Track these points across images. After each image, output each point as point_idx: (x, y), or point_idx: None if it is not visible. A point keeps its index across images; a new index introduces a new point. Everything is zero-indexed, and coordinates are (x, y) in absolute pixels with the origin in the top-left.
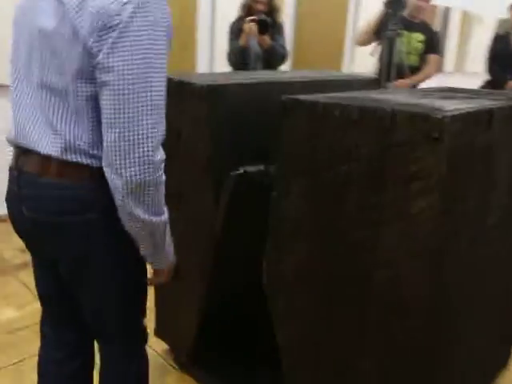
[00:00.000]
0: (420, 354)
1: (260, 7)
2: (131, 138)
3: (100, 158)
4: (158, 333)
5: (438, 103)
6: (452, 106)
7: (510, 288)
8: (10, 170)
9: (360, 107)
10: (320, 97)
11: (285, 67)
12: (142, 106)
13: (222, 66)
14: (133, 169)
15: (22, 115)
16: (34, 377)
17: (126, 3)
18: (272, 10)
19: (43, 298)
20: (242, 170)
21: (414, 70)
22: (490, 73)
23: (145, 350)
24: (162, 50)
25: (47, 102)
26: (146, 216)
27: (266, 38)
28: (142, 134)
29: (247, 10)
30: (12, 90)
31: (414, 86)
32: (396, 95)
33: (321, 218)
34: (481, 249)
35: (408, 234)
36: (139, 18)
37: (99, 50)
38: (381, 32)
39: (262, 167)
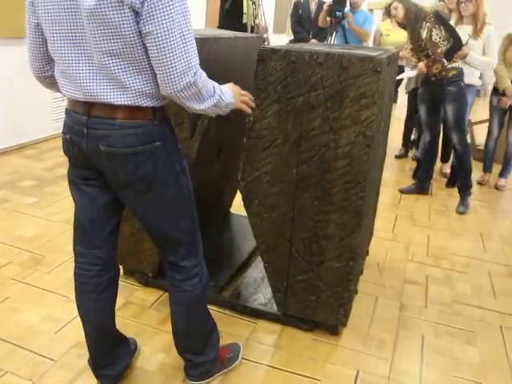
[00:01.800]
0: (361, 213)
1: None
2: (177, 67)
3: (160, 99)
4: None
5: (362, 51)
6: (375, 54)
7: (379, 177)
8: (72, 112)
9: (325, 53)
10: (289, 47)
11: None
12: (179, 47)
13: None
14: (182, 85)
15: (83, 78)
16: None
17: None
18: None
19: (83, 221)
20: None
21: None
22: (294, 34)
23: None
24: (187, 4)
25: (112, 65)
26: (203, 106)
27: None
28: (183, 64)
29: None
30: (63, 60)
31: None
32: (325, 48)
33: (292, 133)
34: (377, 147)
35: (360, 133)
36: None
37: (142, 8)
38: None
39: None
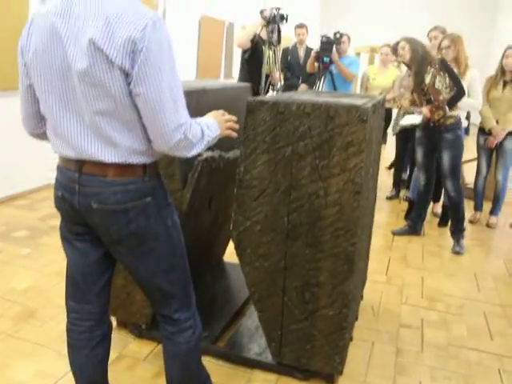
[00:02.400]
0: (353, 260)
1: None
2: (168, 126)
3: (150, 155)
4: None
5: (349, 100)
6: (360, 102)
7: (371, 221)
8: (64, 169)
9: (312, 103)
10: (277, 98)
11: None
12: (169, 106)
13: None
14: (173, 143)
15: (74, 137)
16: None
17: (144, 29)
18: None
19: (76, 276)
20: (204, 156)
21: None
22: (284, 80)
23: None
24: (174, 60)
25: (103, 124)
26: (193, 152)
27: None
28: (173, 123)
29: None
30: (55, 119)
31: None
32: (315, 96)
33: (282, 181)
34: (367, 192)
35: (349, 181)
36: (157, 39)
37: (133, 70)
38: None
39: (217, 154)
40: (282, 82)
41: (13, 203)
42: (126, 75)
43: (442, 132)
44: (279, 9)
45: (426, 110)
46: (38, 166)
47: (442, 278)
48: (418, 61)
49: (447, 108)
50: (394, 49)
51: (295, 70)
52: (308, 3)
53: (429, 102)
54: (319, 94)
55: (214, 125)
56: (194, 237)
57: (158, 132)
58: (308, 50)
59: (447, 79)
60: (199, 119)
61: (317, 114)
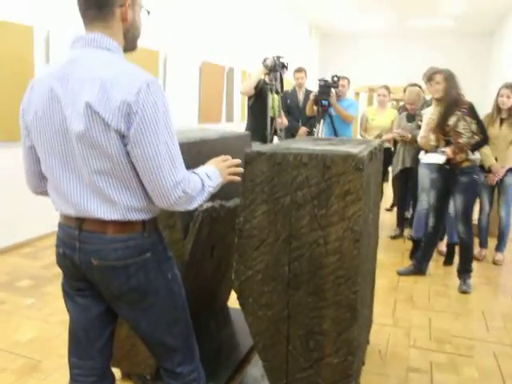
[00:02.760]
0: (355, 307)
1: None
2: (166, 185)
3: (148, 212)
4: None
5: (345, 148)
6: (356, 150)
7: (374, 266)
8: (65, 227)
9: (309, 154)
10: (274, 148)
11: None
12: (167, 165)
13: None
14: (172, 200)
15: (74, 196)
16: None
17: (138, 92)
18: None
19: (77, 332)
20: (205, 207)
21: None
22: None
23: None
24: (170, 119)
25: (101, 183)
26: (194, 205)
27: None
28: (172, 181)
29: None
30: (55, 179)
31: None
32: (312, 145)
33: (281, 231)
34: (367, 239)
35: (348, 229)
36: (151, 100)
37: (129, 132)
38: (260, 87)
39: (217, 203)
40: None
41: (17, 251)
42: (123, 137)
43: (457, 175)
44: (280, 57)
45: (449, 150)
46: (43, 214)
47: (450, 319)
48: (450, 102)
49: (470, 152)
50: (429, 77)
51: (295, 113)
52: (307, 46)
53: (448, 143)
54: (317, 141)
55: (214, 173)
56: (196, 285)
57: (157, 190)
58: (307, 93)
59: (472, 125)
60: (199, 169)
61: (314, 164)
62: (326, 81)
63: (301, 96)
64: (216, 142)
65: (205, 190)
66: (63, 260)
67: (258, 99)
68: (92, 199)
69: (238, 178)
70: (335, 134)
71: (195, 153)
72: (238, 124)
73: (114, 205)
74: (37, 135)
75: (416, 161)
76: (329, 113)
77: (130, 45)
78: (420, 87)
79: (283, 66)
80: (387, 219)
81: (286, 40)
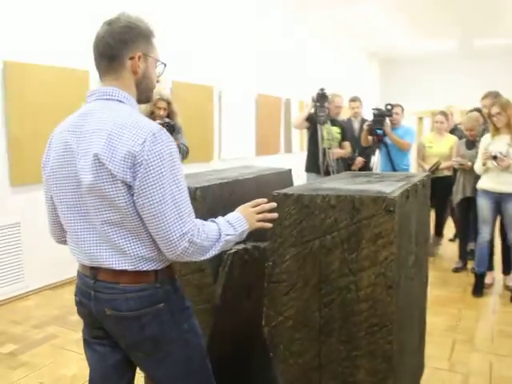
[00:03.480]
0: (391, 357)
1: (161, 112)
2: (172, 236)
3: (161, 261)
4: None
5: (378, 187)
6: (389, 189)
7: (421, 309)
8: (82, 276)
9: (336, 195)
10: (302, 189)
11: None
12: (173, 216)
13: None
14: (179, 251)
15: (87, 246)
16: None
17: (143, 143)
18: (171, 114)
19: (96, 381)
20: (234, 249)
21: None
22: None
23: None
24: (178, 169)
25: (111, 233)
26: (209, 255)
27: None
28: (178, 232)
29: (150, 115)
30: (70, 229)
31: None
32: (346, 183)
33: (311, 276)
34: (408, 283)
35: (380, 274)
36: (156, 151)
37: (134, 183)
38: (311, 119)
39: (249, 245)
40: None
41: (70, 287)
42: (129, 187)
43: None
44: (323, 89)
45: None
46: None
47: None
48: None
49: None
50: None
51: (351, 144)
52: (367, 72)
53: None
54: (355, 178)
55: (239, 220)
56: (232, 327)
57: (163, 241)
58: (363, 123)
59: None
60: (219, 218)
61: (342, 206)
62: (379, 110)
63: (356, 125)
64: (251, 181)
65: (221, 239)
66: (81, 308)
67: (311, 131)
68: (104, 249)
69: (268, 225)
70: (391, 163)
71: (228, 194)
72: (297, 155)
73: (124, 255)
74: (54, 186)
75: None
76: (384, 142)
77: (143, 96)
78: (480, 111)
79: (323, 97)
80: (449, 252)
81: (344, 68)
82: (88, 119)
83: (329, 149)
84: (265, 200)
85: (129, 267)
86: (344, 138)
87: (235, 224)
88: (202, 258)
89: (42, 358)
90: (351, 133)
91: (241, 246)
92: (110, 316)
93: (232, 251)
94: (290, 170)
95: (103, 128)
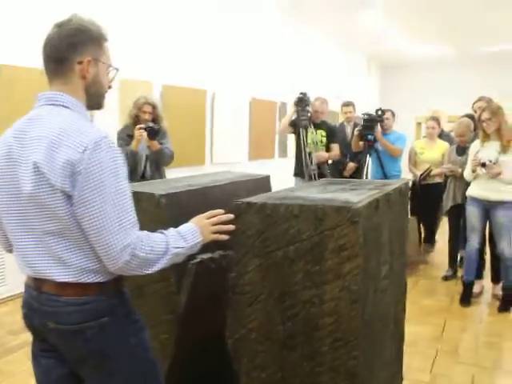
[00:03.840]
0: (355, 374)
1: (146, 116)
2: (112, 248)
3: (106, 274)
4: None
5: (346, 196)
6: (356, 198)
7: (397, 320)
8: (28, 287)
9: (299, 205)
10: (264, 198)
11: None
12: (113, 228)
13: None
14: (121, 264)
15: (30, 257)
16: None
17: (84, 151)
18: (157, 118)
19: None
20: (199, 259)
21: None
22: None
23: None
24: (122, 178)
25: (53, 243)
26: (154, 268)
27: (155, 143)
28: (118, 244)
29: (135, 119)
30: (14, 239)
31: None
32: (316, 191)
33: (274, 288)
34: (379, 295)
35: (344, 288)
36: (97, 159)
37: (73, 192)
38: (295, 124)
39: (217, 254)
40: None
41: None
42: (69, 197)
43: None
44: (303, 93)
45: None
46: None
47: (500, 377)
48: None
49: None
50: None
51: (343, 148)
52: (366, 78)
53: None
54: (327, 186)
55: (192, 232)
56: (196, 339)
57: (104, 253)
58: (356, 127)
59: None
60: (170, 230)
61: (305, 216)
62: (369, 115)
63: (349, 130)
64: (223, 189)
65: (169, 252)
66: (27, 321)
67: (296, 136)
68: (46, 260)
69: (223, 237)
70: (382, 169)
71: (196, 202)
72: (292, 159)
73: (67, 266)
74: None
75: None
76: (375, 148)
77: (92, 102)
78: (472, 118)
79: (302, 101)
80: (439, 259)
81: (342, 73)
82: (32, 125)
83: (311, 153)
84: (221, 211)
85: (71, 279)
86: (332, 141)
87: (187, 236)
88: (148, 272)
89: (15, 366)
90: (343, 137)
91: (207, 255)
92: (54, 329)
93: (197, 260)
94: (268, 177)
95: (44, 135)
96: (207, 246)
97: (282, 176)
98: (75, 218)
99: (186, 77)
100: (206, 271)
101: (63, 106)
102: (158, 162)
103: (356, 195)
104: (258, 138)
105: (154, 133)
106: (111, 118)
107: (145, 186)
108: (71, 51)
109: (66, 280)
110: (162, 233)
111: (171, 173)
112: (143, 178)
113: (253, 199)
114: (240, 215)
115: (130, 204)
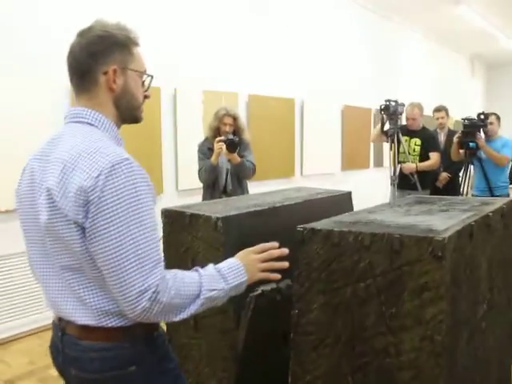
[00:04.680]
0: None
1: (227, 128)
2: (130, 291)
3: (128, 317)
4: None
5: (431, 221)
6: (444, 224)
7: (504, 365)
8: (54, 325)
9: (371, 234)
10: (332, 224)
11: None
12: (131, 265)
13: (187, 183)
14: (139, 311)
15: (52, 293)
16: None
17: (98, 176)
18: (238, 130)
19: None
20: (260, 290)
21: None
22: None
23: None
24: (144, 208)
25: (72, 280)
26: (183, 315)
27: (235, 156)
28: (137, 286)
29: (215, 132)
30: (36, 272)
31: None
32: (397, 214)
33: (342, 331)
34: (476, 341)
35: (426, 337)
36: (112, 185)
37: (86, 221)
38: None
39: (274, 285)
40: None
41: None
42: (83, 230)
43: None
44: (388, 100)
45: None
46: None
47: None
48: None
49: None
50: None
51: None
52: (470, 80)
53: None
54: (416, 205)
55: (235, 270)
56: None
57: (121, 297)
58: (450, 134)
59: None
60: (209, 267)
61: (378, 247)
62: (470, 120)
63: (442, 138)
64: (293, 208)
65: (201, 296)
66: (53, 361)
67: (389, 145)
68: (65, 298)
69: (275, 276)
70: (487, 180)
71: (262, 224)
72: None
73: (87, 307)
74: (21, 221)
75: None
76: (478, 156)
77: (126, 116)
78: None
79: (387, 109)
80: None
81: (444, 77)
82: (53, 146)
83: (400, 163)
84: (275, 245)
85: (91, 322)
86: (429, 149)
87: (228, 275)
88: (175, 320)
89: None
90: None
91: (270, 286)
92: (75, 376)
93: (257, 292)
94: (349, 193)
95: (60, 157)
96: None
97: (377, 187)
98: (90, 253)
99: (272, 86)
100: (268, 304)
101: (88, 123)
102: (239, 175)
103: (444, 219)
104: (352, 147)
105: (234, 145)
106: (195, 131)
107: (203, 207)
108: (93, 61)
109: (87, 323)
110: (196, 271)
111: (258, 186)
112: (225, 192)
113: (318, 224)
114: (304, 243)
115: (154, 238)
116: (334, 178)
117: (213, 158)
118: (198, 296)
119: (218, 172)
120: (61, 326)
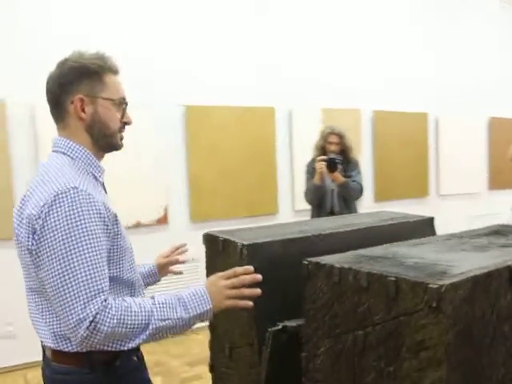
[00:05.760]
0: None
1: (332, 147)
2: (69, 320)
3: None
4: None
5: (459, 262)
6: (465, 268)
7: None
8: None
9: (368, 273)
10: (341, 258)
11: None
12: (69, 295)
13: (304, 203)
14: (79, 339)
15: (31, 314)
16: None
17: (43, 205)
18: (345, 149)
19: None
20: (280, 325)
21: None
22: None
23: None
24: (85, 238)
25: (36, 301)
26: (131, 344)
27: (338, 175)
28: (75, 316)
29: (321, 151)
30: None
31: None
32: (428, 249)
33: (346, 382)
34: None
35: None
36: (52, 217)
37: (35, 251)
38: None
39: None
40: None
41: None
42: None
43: None
44: None
45: None
46: None
47: None
48: None
49: None
50: None
51: None
52: None
53: None
54: (476, 240)
55: (197, 298)
56: None
57: (64, 323)
58: None
59: None
60: (166, 296)
61: (375, 290)
62: None
63: None
64: (342, 237)
65: (150, 326)
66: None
67: None
68: (39, 320)
69: (247, 304)
70: None
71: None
72: None
73: (49, 329)
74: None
75: None
76: None
77: (102, 143)
78: None
79: None
80: None
81: None
82: (37, 175)
83: None
84: (249, 269)
85: (52, 345)
86: None
87: (190, 304)
88: (125, 348)
89: None
90: None
91: (295, 322)
92: None
93: (275, 328)
94: (430, 219)
95: (29, 186)
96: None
97: None
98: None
99: (400, 100)
100: (288, 340)
101: (62, 152)
102: (345, 196)
103: (485, 259)
104: (501, 163)
105: (334, 165)
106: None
107: (241, 232)
108: (62, 91)
109: (49, 345)
110: (152, 298)
111: (387, 207)
112: (331, 213)
113: (325, 259)
114: (309, 278)
115: (96, 268)
116: (479, 197)
117: (316, 178)
118: (147, 325)
119: (322, 192)
120: (42, 347)
